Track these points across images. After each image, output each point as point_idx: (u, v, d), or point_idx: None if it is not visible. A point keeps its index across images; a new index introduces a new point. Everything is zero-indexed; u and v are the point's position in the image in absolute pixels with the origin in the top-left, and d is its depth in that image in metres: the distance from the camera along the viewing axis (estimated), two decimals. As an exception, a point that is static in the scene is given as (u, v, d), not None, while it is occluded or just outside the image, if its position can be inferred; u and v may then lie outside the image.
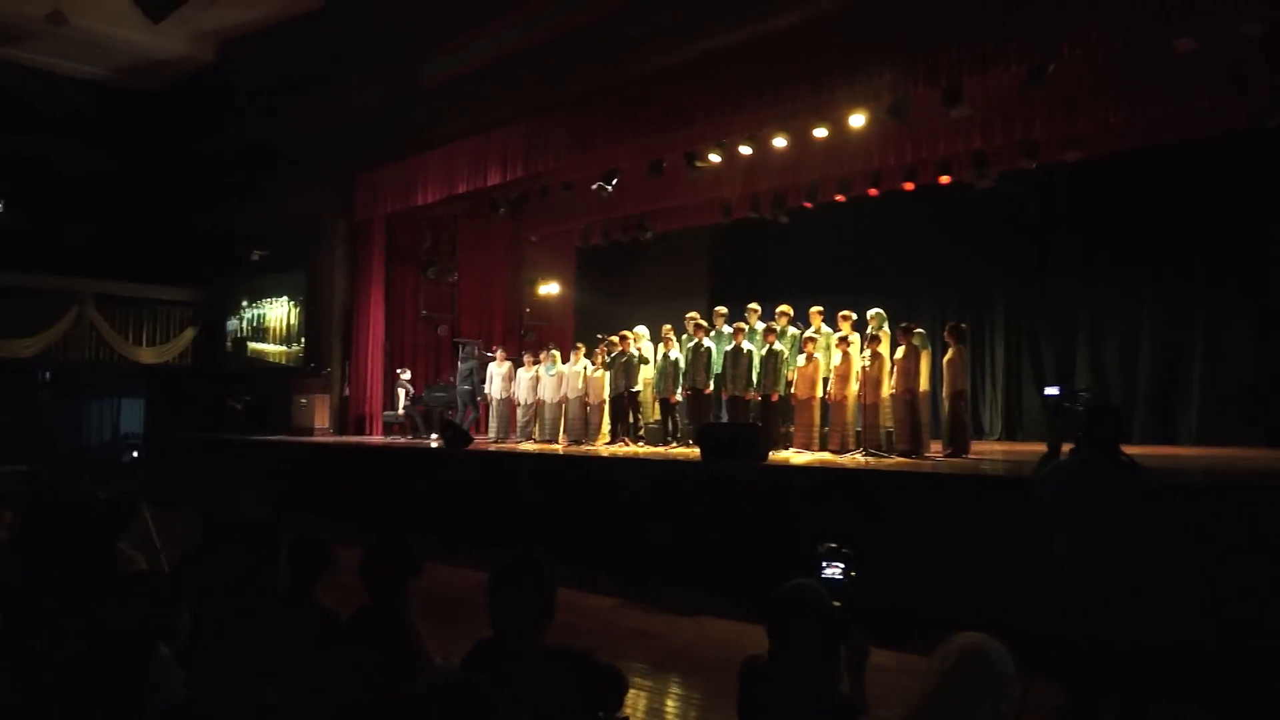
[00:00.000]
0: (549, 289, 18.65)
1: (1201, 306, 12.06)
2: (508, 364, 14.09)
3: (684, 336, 12.16)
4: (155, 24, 15.17)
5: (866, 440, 10.30)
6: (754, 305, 12.17)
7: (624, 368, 12.34)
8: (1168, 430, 12.18)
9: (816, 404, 10.94)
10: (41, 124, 17.82)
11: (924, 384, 10.10)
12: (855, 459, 9.88)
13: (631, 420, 12.55)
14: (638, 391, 12.45)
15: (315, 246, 16.86)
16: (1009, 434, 13.76)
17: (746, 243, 16.54)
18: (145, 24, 15.10)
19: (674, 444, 11.86)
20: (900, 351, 10.16)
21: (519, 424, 13.85)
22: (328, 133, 16.00)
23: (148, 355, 18.94)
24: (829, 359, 11.00)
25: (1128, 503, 4.18)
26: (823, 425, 11.00)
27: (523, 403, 13.72)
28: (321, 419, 15.95)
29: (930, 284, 14.73)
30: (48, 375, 19.62)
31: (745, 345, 11.38)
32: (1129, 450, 4.38)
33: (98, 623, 3.01)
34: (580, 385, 12.93)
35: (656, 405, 12.46)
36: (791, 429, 11.19)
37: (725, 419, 11.73)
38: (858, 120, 11.13)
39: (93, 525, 4.70)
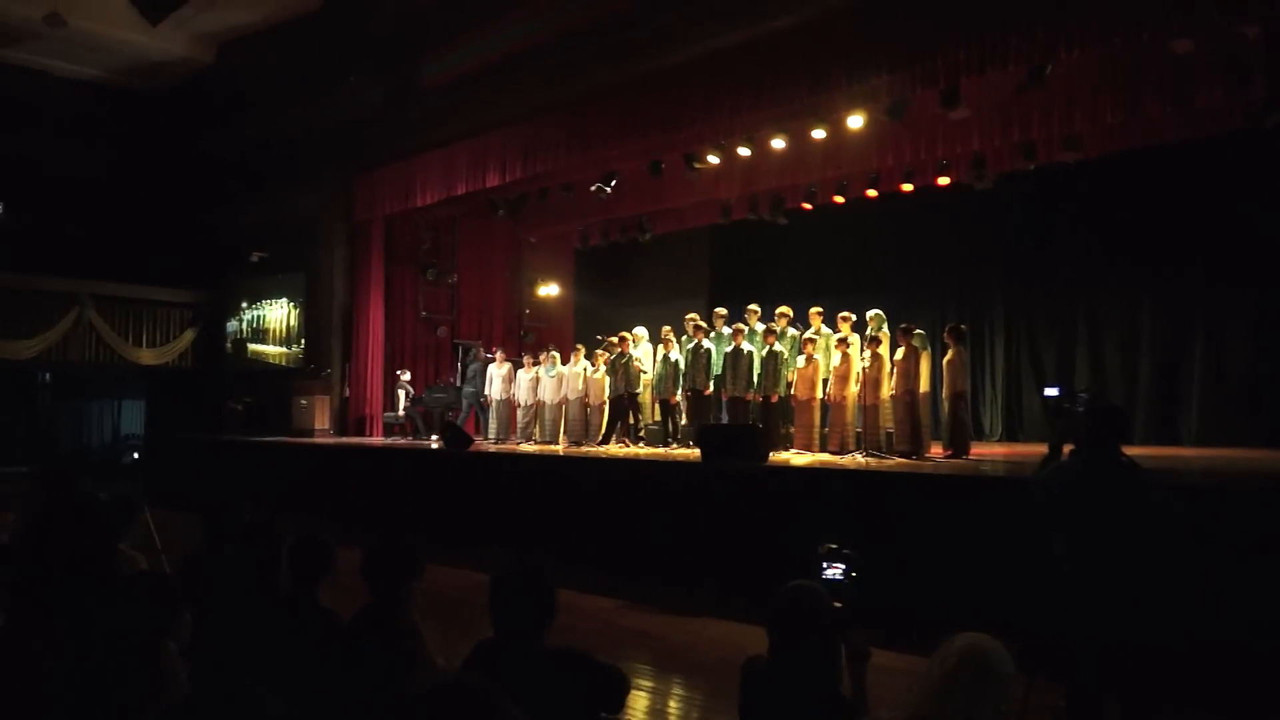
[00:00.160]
0: (548, 290, 18.66)
1: (1201, 307, 12.07)
2: (507, 365, 14.10)
3: (683, 338, 12.17)
4: (153, 25, 15.19)
5: (866, 441, 10.31)
6: (753, 306, 12.18)
7: (624, 369, 12.35)
8: (1168, 431, 12.18)
9: (816, 405, 10.95)
10: (41, 125, 17.81)
11: (924, 385, 10.10)
12: (855, 460, 9.87)
13: (632, 422, 12.56)
14: (638, 393, 12.46)
15: (315, 248, 16.87)
16: (1009, 435, 13.76)
17: (746, 244, 16.54)
18: (144, 25, 15.12)
19: (674, 445, 11.86)
20: (900, 352, 10.16)
21: (519, 425, 13.86)
22: (327, 134, 16.00)
23: (148, 356, 18.95)
24: (829, 360, 11.01)
25: (1128, 504, 4.18)
26: (822, 426, 11.00)
27: (523, 404, 13.73)
28: (322, 420, 15.95)
29: (930, 285, 14.72)
30: (48, 376, 19.61)
31: (745, 346, 11.39)
32: (1129, 451, 4.38)
33: (100, 623, 3.02)
34: (580, 386, 12.94)
35: (656, 407, 12.47)
36: (792, 430, 11.19)
37: (725, 420, 11.74)
38: (856, 121, 11.13)
39: (93, 526, 4.70)
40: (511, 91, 13.05)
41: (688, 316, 12.35)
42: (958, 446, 9.92)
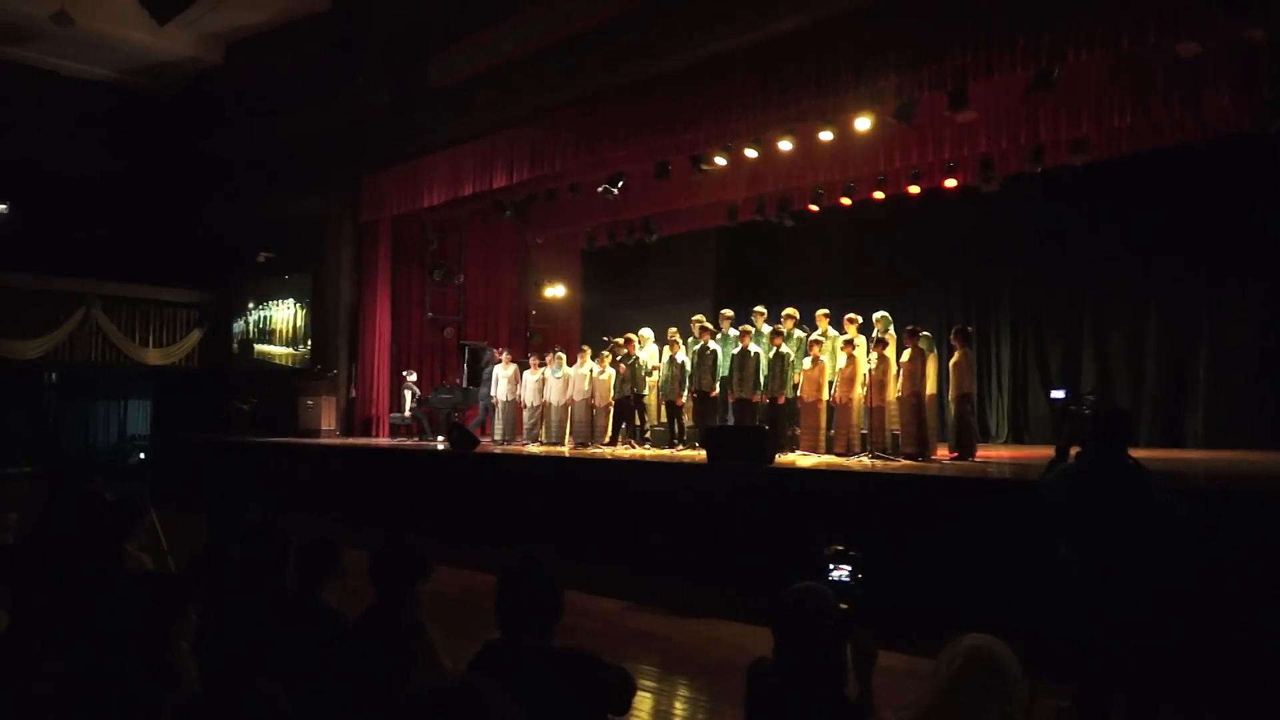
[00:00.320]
0: (555, 291, 18.66)
1: (1207, 310, 12.04)
2: (513, 366, 14.11)
3: (690, 339, 12.17)
4: (161, 25, 15.24)
5: (872, 443, 10.30)
6: (760, 308, 12.19)
7: (630, 371, 12.35)
8: (1174, 434, 12.16)
9: (823, 407, 10.94)
10: (48, 125, 17.86)
11: (930, 387, 10.10)
12: (861, 462, 9.87)
13: (638, 423, 12.56)
14: (644, 395, 12.46)
15: (322, 248, 16.91)
16: (1015, 437, 13.74)
17: (752, 246, 16.51)
18: (152, 25, 15.17)
19: (680, 446, 11.87)
20: (906, 354, 10.14)
21: (525, 426, 13.87)
22: (334, 134, 16.04)
23: (154, 357, 19.00)
24: (835, 362, 11.00)
25: (1134, 506, 4.18)
26: (828, 428, 11.00)
27: (528, 405, 13.74)
28: (328, 421, 16.00)
29: (936, 287, 14.70)
30: (54, 376, 19.65)
31: (752, 348, 11.39)
32: (1134, 454, 4.37)
33: (106, 623, 3.02)
34: (586, 387, 12.94)
35: (662, 408, 12.47)
36: (798, 432, 11.19)
37: (731, 422, 11.74)
38: (863, 124, 11.11)
39: (99, 527, 4.71)
40: (519, 93, 13.07)
41: (694, 318, 12.36)
42: (963, 449, 9.92)
